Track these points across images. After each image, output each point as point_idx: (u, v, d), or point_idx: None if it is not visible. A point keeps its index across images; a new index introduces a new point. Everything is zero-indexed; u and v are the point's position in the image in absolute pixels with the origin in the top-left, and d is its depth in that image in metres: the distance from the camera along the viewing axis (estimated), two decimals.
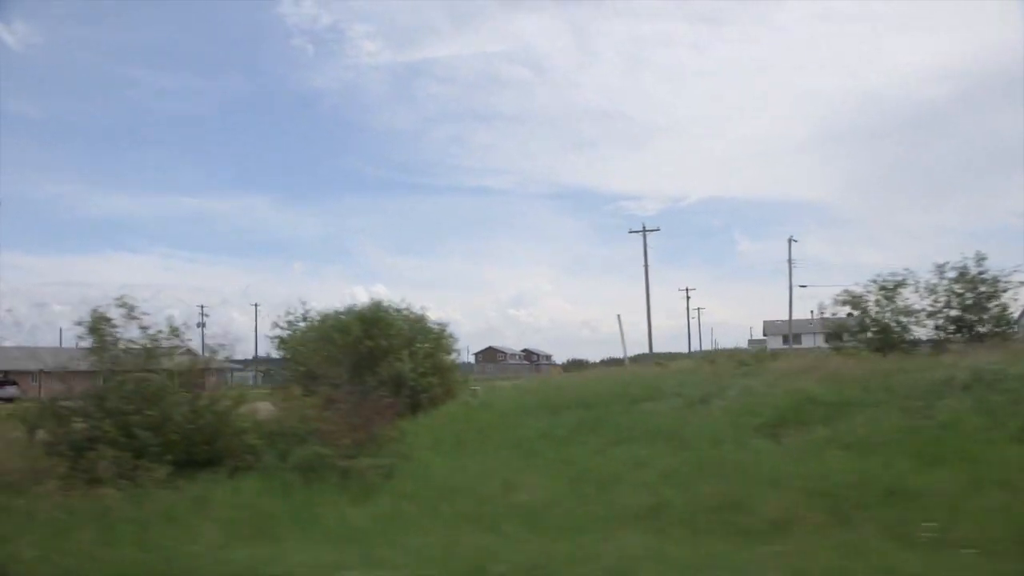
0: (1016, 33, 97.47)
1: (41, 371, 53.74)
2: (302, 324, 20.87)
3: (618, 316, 47.63)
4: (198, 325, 71.01)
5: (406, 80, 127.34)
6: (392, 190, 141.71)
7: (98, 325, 11.79)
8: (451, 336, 18.69)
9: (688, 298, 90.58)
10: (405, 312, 18.30)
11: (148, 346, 11.59)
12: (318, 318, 18.92)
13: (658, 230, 58.36)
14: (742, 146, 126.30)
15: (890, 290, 19.61)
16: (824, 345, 69.08)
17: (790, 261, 60.48)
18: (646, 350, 57.47)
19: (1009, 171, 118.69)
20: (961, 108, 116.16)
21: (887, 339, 18.97)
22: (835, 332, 21.49)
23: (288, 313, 21.17)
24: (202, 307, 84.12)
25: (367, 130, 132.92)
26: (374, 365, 16.18)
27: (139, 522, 7.89)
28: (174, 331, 12.57)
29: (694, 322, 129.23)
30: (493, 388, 23.28)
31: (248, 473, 10.30)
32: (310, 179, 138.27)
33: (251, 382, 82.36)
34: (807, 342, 77.18)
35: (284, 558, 6.54)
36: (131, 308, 12.22)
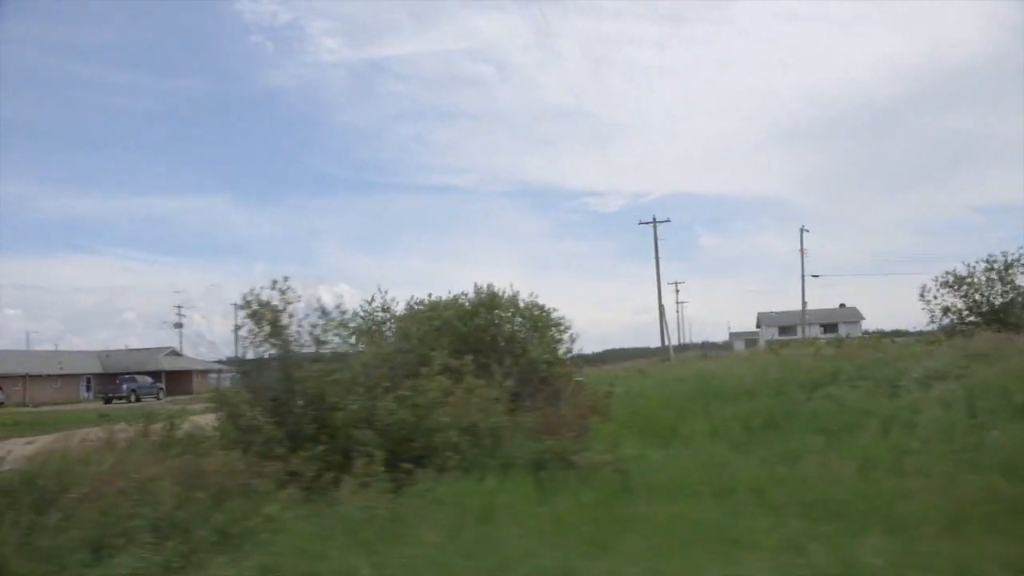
0: (966, 34, 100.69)
1: (27, 375, 51.20)
2: (381, 313, 19.69)
3: (661, 307, 46.78)
4: (175, 325, 68.10)
5: (367, 77, 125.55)
6: (353, 188, 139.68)
7: (263, 312, 10.56)
8: (566, 322, 17.60)
9: (677, 291, 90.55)
10: (515, 298, 17.20)
11: (338, 333, 10.34)
12: (423, 306, 17.72)
13: (668, 221, 57.66)
14: (704, 143, 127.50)
15: (1002, 270, 19.11)
16: (821, 335, 69.22)
17: (802, 250, 60.43)
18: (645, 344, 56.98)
19: (961, 168, 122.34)
20: (915, 106, 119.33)
21: (1003, 318, 18.44)
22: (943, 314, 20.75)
23: (369, 301, 19.95)
24: (179, 307, 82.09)
25: (327, 128, 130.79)
26: (499, 354, 15.08)
27: (433, 527, 6.80)
28: (332, 318, 11.38)
29: (660, 317, 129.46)
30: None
31: (459, 471, 9.25)
32: (270, 178, 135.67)
33: (228, 384, 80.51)
34: (800, 333, 77.80)
35: None
36: (284, 291, 11.04)
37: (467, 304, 16.50)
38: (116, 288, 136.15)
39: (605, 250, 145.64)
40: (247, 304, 10.90)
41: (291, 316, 10.67)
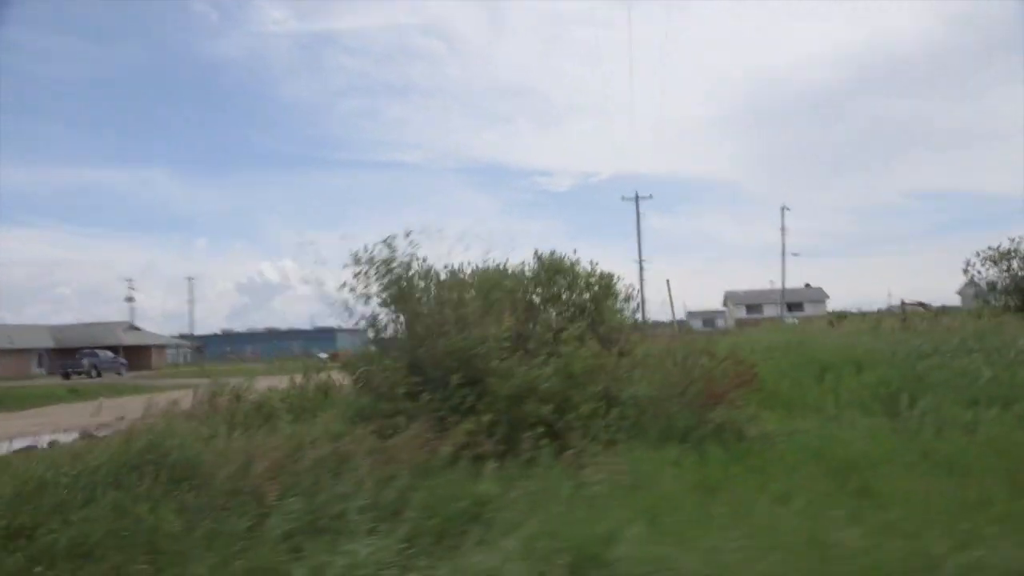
0: (905, 23, 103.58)
1: None
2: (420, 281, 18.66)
3: (667, 281, 46.32)
4: (126, 299, 65.43)
5: (314, 50, 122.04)
6: (301, 163, 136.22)
7: (385, 271, 9.57)
8: (628, 290, 16.78)
9: (642, 268, 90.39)
10: (574, 265, 16.35)
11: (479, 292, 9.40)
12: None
13: (651, 197, 57.28)
14: (653, 124, 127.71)
15: None
16: (788, 314, 70.14)
17: (783, 229, 60.78)
18: None
19: (895, 152, 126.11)
20: (857, 93, 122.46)
21: None
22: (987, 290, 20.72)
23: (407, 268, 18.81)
24: (130, 280, 78.63)
25: (274, 101, 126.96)
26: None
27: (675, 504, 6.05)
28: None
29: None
30: None
31: (613, 443, 8.49)
32: (213, 151, 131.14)
33: (182, 360, 77.76)
34: (769, 312, 79.09)
35: None
36: (392, 248, 10.07)
37: (529, 271, 15.64)
38: (49, 262, 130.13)
39: (555, 229, 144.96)
40: (358, 261, 9.90)
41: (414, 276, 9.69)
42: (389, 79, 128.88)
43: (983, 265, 20.23)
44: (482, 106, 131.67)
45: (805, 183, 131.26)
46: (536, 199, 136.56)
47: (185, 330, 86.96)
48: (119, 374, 54.93)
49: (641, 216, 54.10)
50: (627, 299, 17.01)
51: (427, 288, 9.51)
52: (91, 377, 51.38)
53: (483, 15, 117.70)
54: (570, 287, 16.18)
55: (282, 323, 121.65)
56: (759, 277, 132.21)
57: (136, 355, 65.98)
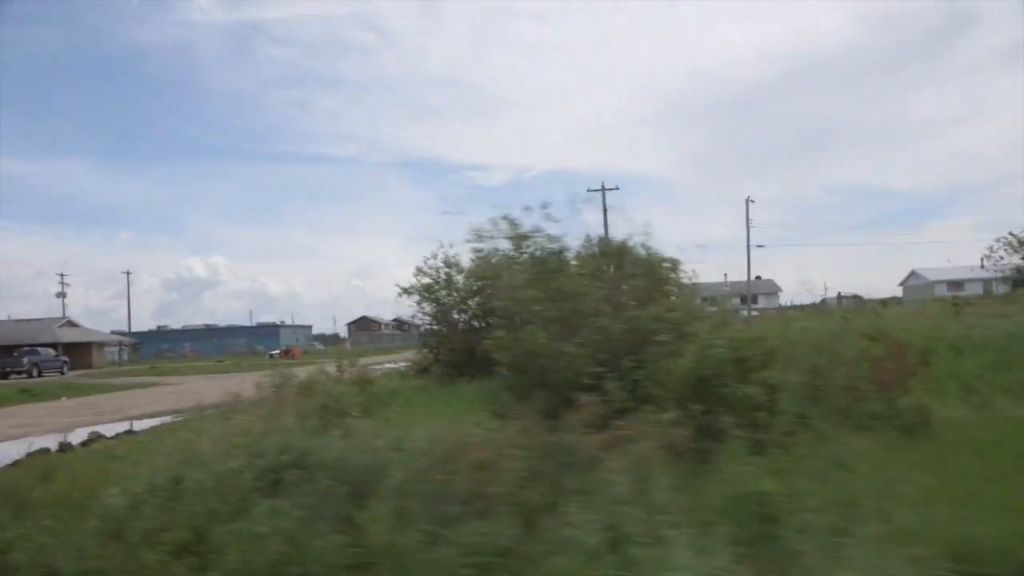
0: (829, 24, 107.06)
1: None
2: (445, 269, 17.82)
3: None
4: (58, 295, 61.65)
5: (243, 40, 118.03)
6: (230, 156, 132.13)
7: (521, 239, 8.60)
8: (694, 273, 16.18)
9: None
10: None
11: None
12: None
13: (617, 189, 56.83)
14: (586, 119, 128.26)
15: None
16: (742, 306, 71.08)
17: (748, 221, 61.37)
18: None
19: (819, 149, 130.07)
20: (782, 90, 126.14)
21: None
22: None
23: (434, 256, 17.92)
24: (62, 275, 74.27)
25: (201, 92, 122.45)
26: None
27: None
28: None
29: None
30: None
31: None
32: (137, 143, 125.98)
33: (118, 357, 73.92)
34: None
35: None
36: (516, 224, 9.10)
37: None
38: None
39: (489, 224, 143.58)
40: (479, 237, 8.89)
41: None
42: (321, 71, 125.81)
43: (1005, 251, 20.50)
44: (415, 98, 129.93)
45: (732, 178, 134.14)
46: (469, 194, 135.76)
47: (112, 327, 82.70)
48: (62, 373, 51.67)
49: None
50: (686, 285, 16.40)
51: (583, 265, 8.53)
52: (32, 376, 47.98)
53: (415, 7, 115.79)
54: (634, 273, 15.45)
55: (213, 319, 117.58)
56: (698, 271, 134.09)
57: (76, 353, 62.20)
